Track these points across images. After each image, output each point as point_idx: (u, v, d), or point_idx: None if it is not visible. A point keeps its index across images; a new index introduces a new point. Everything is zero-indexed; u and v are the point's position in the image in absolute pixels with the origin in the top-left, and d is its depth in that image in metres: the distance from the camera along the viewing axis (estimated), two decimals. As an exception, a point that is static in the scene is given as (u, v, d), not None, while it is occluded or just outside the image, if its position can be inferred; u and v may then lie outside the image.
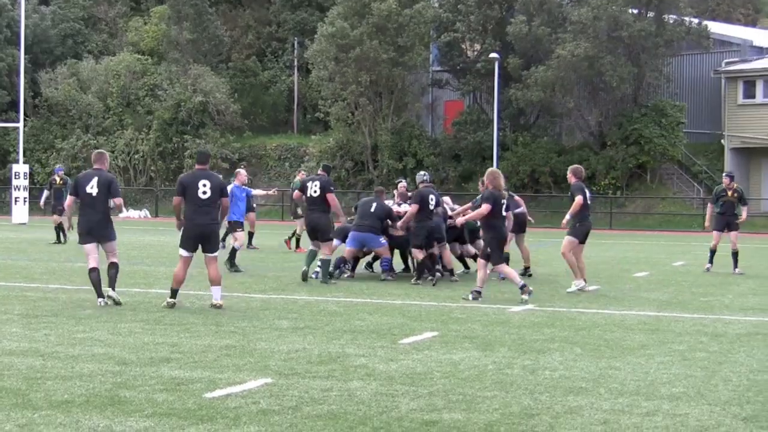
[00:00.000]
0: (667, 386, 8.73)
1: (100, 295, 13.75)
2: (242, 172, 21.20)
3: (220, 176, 14.21)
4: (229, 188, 20.05)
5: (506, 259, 19.44)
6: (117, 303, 13.68)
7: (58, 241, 27.80)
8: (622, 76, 46.74)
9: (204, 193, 13.45)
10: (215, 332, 11.39)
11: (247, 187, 21.29)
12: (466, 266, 20.10)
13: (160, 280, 17.09)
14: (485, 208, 15.16)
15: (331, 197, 17.29)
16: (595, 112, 49.76)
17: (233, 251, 19.85)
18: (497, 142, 48.52)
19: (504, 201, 15.41)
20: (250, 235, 26.69)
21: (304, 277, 17.42)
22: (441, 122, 56.46)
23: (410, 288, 16.91)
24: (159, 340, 10.73)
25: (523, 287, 14.99)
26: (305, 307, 13.92)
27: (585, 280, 16.80)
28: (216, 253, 13.69)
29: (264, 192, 25.22)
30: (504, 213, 15.52)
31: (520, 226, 19.55)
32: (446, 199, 20.73)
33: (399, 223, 17.82)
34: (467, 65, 52.06)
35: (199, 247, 13.69)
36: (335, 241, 18.38)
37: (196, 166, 13.91)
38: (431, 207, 17.69)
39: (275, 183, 53.24)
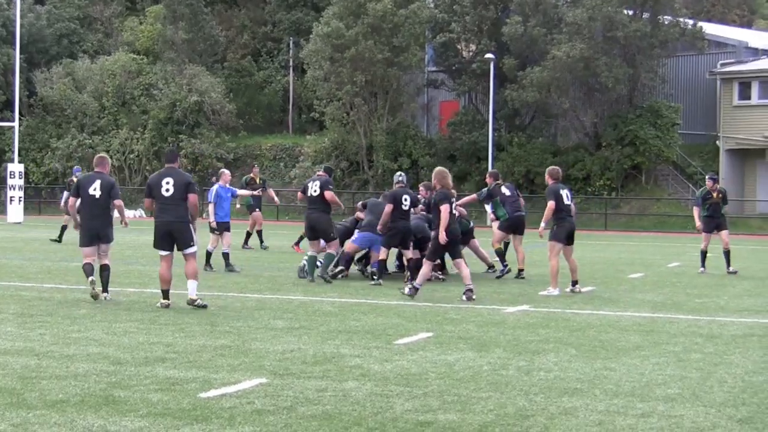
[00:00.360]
0: (663, 387, 8.73)
1: (90, 274, 14.19)
2: (226, 172, 21.16)
3: (188, 174, 14.24)
4: (213, 188, 20.25)
5: (501, 256, 19.50)
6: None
7: (59, 240, 27.71)
8: (617, 77, 46.77)
9: (167, 190, 13.59)
10: (210, 332, 11.38)
11: (232, 187, 21.29)
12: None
13: (155, 279, 16.93)
14: (445, 209, 15.16)
15: (329, 194, 17.48)
16: (591, 113, 49.77)
17: (208, 255, 19.90)
18: (492, 142, 48.54)
19: (453, 200, 15.57)
20: (248, 234, 26.66)
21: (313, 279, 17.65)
22: (436, 122, 56.46)
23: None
24: (154, 340, 10.72)
25: (416, 288, 15.18)
26: (300, 308, 13.91)
27: (576, 281, 16.77)
28: (191, 250, 13.64)
29: (249, 192, 25.31)
30: (453, 211, 15.70)
31: (518, 228, 19.58)
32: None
33: (379, 226, 17.65)
34: (462, 66, 52.05)
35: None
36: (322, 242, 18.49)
37: (165, 165, 14.04)
38: (404, 207, 17.41)
39: (270, 183, 53.09)
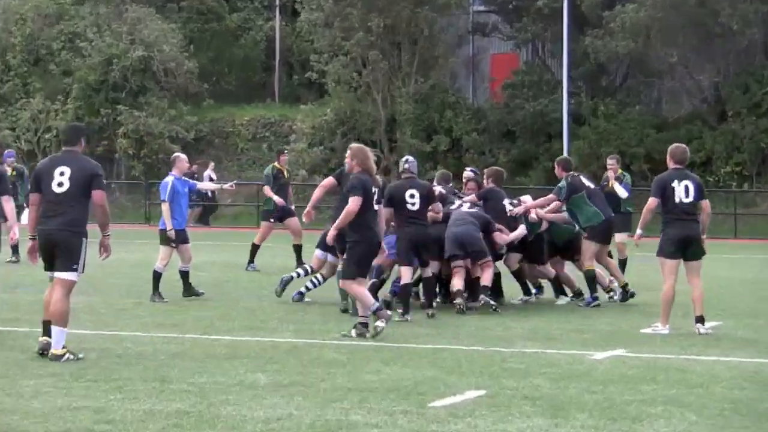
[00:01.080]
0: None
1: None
2: (182, 158, 21.01)
3: (94, 161, 14.03)
4: (168, 180, 20.15)
5: (592, 281, 19.44)
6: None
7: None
8: (746, 18, 46.59)
9: (59, 184, 13.35)
10: (160, 392, 11.37)
11: (189, 180, 21.22)
12: (528, 291, 20.02)
13: (79, 313, 16.93)
14: (354, 202, 15.37)
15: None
16: (710, 70, 49.69)
17: (156, 277, 19.83)
18: (568, 112, 48.52)
19: (375, 189, 15.80)
20: (296, 248, 25.89)
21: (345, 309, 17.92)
22: (486, 85, 56.52)
23: (442, 325, 16.78)
24: (78, 404, 10.69)
25: (377, 310, 15.28)
26: (291, 354, 13.92)
27: (701, 318, 16.46)
28: (68, 276, 13.36)
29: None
30: (376, 206, 15.89)
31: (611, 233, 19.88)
32: (525, 198, 20.59)
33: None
34: (523, 3, 52.11)
35: None
36: (319, 253, 19.11)
37: (62, 148, 13.89)
38: (412, 207, 17.44)
39: (248, 173, 53.34)
